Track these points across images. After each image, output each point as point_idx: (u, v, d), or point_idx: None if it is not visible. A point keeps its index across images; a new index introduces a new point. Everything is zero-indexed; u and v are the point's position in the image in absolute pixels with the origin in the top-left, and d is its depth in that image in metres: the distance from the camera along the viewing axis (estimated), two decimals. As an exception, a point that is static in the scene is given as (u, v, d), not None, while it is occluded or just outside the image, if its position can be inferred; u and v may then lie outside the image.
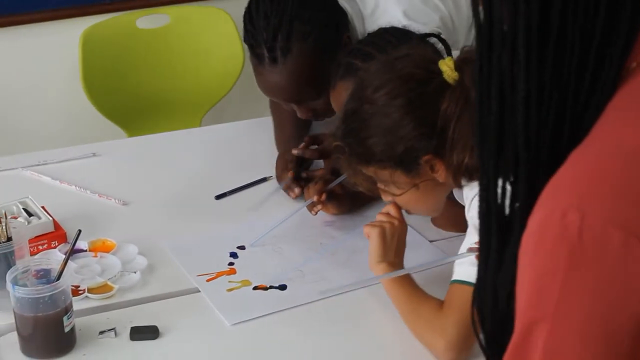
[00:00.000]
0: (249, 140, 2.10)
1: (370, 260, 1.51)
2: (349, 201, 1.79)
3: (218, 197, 1.91)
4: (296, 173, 1.84)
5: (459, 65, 1.39)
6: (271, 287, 1.61)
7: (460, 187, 1.45)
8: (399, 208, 1.53)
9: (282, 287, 1.61)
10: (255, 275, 1.64)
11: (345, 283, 1.61)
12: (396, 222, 1.52)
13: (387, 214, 1.54)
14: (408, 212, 1.55)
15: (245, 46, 2.71)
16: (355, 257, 1.68)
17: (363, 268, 1.64)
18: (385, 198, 1.52)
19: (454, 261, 1.45)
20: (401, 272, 1.49)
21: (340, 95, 1.67)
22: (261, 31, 1.76)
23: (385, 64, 1.45)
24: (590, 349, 0.71)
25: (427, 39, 1.62)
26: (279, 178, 1.89)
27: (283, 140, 1.99)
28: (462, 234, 1.75)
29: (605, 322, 0.70)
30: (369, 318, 1.54)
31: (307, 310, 1.55)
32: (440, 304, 1.42)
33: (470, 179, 1.41)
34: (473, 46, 1.46)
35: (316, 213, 1.77)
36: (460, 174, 1.41)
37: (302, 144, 1.89)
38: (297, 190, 1.82)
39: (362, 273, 1.63)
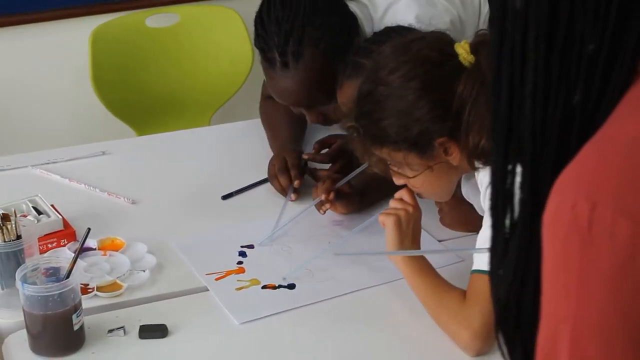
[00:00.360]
0: (258, 139, 2.10)
1: (387, 249, 1.51)
2: (357, 200, 1.79)
3: (225, 197, 1.91)
4: (295, 177, 1.84)
5: (474, 48, 1.40)
6: (280, 286, 1.61)
7: (474, 169, 1.45)
8: (412, 193, 1.53)
9: (291, 286, 1.61)
10: (264, 274, 1.64)
11: (355, 282, 1.61)
12: (410, 209, 1.52)
13: (401, 200, 1.53)
14: (420, 196, 1.54)
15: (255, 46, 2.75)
16: (364, 256, 1.68)
17: (372, 266, 1.65)
18: (398, 181, 1.52)
19: (472, 252, 1.45)
20: (420, 252, 1.49)
21: (347, 94, 1.67)
22: (273, 36, 1.76)
23: (400, 46, 1.45)
24: (614, 345, 0.70)
25: None
26: (282, 191, 1.87)
27: (277, 144, 1.98)
28: (470, 233, 1.76)
29: (625, 316, 0.70)
30: (379, 317, 1.54)
31: (316, 310, 1.56)
32: (463, 294, 1.42)
33: (486, 162, 1.41)
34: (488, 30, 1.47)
35: (324, 212, 1.77)
36: (475, 157, 1.41)
37: (313, 150, 1.89)
38: (293, 196, 1.83)
39: (371, 271, 1.63)
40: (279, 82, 1.79)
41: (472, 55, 1.39)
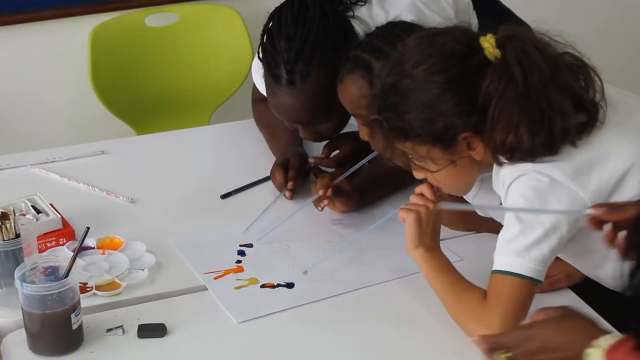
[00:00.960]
0: (258, 139, 2.11)
1: (407, 245, 1.51)
2: (356, 198, 1.79)
3: (224, 196, 1.92)
4: (296, 180, 1.85)
5: (500, 42, 1.40)
6: (279, 285, 1.61)
7: (500, 164, 1.44)
8: (433, 189, 1.53)
9: (290, 285, 1.61)
10: (262, 273, 1.64)
11: (353, 281, 1.61)
12: (431, 205, 1.51)
13: (421, 195, 1.53)
14: (439, 190, 1.54)
15: (255, 45, 2.75)
16: (362, 256, 1.69)
17: (371, 266, 1.65)
18: (419, 175, 1.51)
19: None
20: (463, 207, 1.52)
21: (347, 89, 1.67)
22: (281, 52, 1.76)
23: (425, 38, 1.45)
24: None
25: None
26: (279, 186, 1.88)
27: (279, 148, 1.98)
28: (469, 232, 1.76)
29: None
30: (377, 316, 1.54)
31: (315, 308, 1.56)
32: (484, 294, 1.42)
33: (512, 158, 1.41)
34: (512, 24, 1.46)
35: (322, 209, 1.77)
36: (500, 153, 1.41)
37: (322, 154, 1.89)
38: (288, 193, 1.84)
39: (371, 270, 1.64)
40: (282, 98, 1.79)
41: (497, 50, 1.39)
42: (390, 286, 1.60)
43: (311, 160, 1.89)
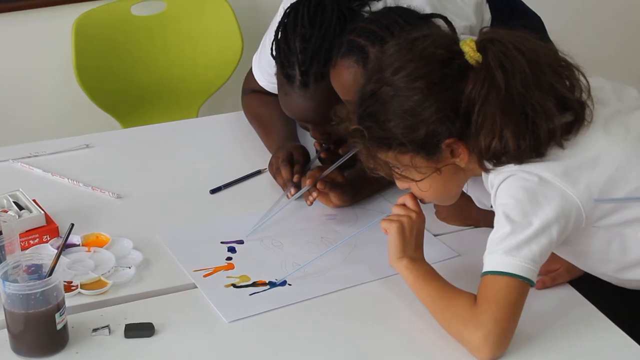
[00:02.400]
0: (248, 132, 2.10)
1: (390, 256, 1.51)
2: (351, 191, 1.78)
3: (213, 191, 1.91)
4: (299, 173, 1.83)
5: (481, 46, 1.40)
6: (270, 282, 1.60)
7: (486, 171, 1.45)
8: (415, 199, 1.53)
9: (282, 283, 1.60)
10: (254, 270, 1.64)
11: (346, 279, 1.61)
12: (414, 216, 1.52)
13: (404, 205, 1.53)
14: (422, 201, 1.54)
15: (245, 34, 2.74)
16: (356, 252, 1.68)
17: (365, 262, 1.65)
18: (402, 185, 1.51)
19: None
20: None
21: (340, 73, 1.66)
22: (296, 53, 1.75)
23: (404, 44, 1.44)
24: None
25: (433, 19, 1.61)
26: (285, 183, 1.86)
27: (275, 141, 1.97)
28: (467, 227, 1.76)
29: None
30: (373, 314, 1.54)
31: (308, 307, 1.55)
32: (473, 298, 1.41)
33: (498, 163, 1.41)
34: (490, 27, 1.45)
35: (311, 203, 1.75)
36: (486, 159, 1.41)
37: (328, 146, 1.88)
38: (293, 190, 1.81)
39: (364, 268, 1.63)
40: (295, 99, 1.79)
41: (478, 54, 1.39)
42: (384, 284, 1.59)
43: (322, 155, 1.87)
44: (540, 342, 1.45)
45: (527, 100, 1.38)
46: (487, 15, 1.95)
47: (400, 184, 1.51)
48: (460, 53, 1.40)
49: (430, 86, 1.39)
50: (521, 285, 1.38)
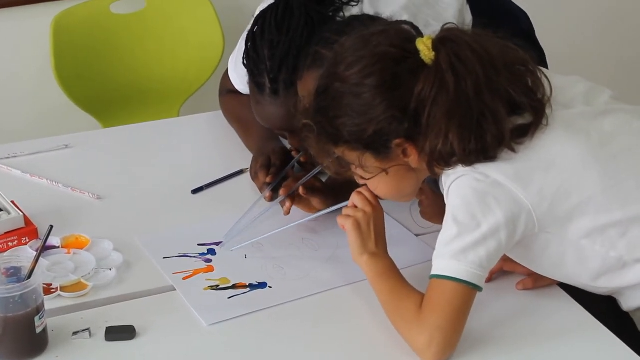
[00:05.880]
0: (230, 131, 2.10)
1: (352, 253, 1.51)
2: (332, 194, 1.78)
3: (195, 191, 1.91)
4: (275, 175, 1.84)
5: (436, 44, 1.38)
6: (251, 285, 1.61)
7: (434, 174, 1.44)
8: (371, 191, 1.52)
9: (263, 285, 1.61)
10: (234, 272, 1.64)
11: (329, 280, 1.61)
12: (368, 209, 1.51)
13: (361, 195, 1.51)
14: (379, 196, 1.53)
15: (226, 33, 2.74)
16: (339, 253, 1.69)
17: (346, 265, 1.64)
18: (359, 180, 1.50)
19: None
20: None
21: (307, 87, 1.64)
22: (265, 60, 1.75)
23: (360, 39, 1.43)
24: None
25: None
26: (262, 187, 1.86)
27: (255, 142, 1.97)
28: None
29: None
30: (352, 317, 1.54)
31: (288, 309, 1.56)
32: (421, 299, 1.41)
33: (447, 165, 1.40)
34: (453, 24, 1.45)
35: (287, 212, 1.74)
36: (434, 161, 1.40)
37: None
38: (268, 194, 1.82)
39: (347, 269, 1.63)
40: (266, 107, 1.79)
41: (433, 52, 1.37)
42: (366, 286, 1.59)
43: (302, 159, 1.87)
44: (526, 343, 1.47)
45: (476, 104, 1.36)
46: (469, 18, 1.95)
47: (357, 179, 1.50)
48: (416, 51, 1.38)
49: (380, 84, 1.38)
50: (467, 290, 1.38)
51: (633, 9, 3.34)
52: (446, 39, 1.39)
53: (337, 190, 1.74)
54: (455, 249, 1.38)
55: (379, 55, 1.39)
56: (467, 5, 1.97)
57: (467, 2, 1.98)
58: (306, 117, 1.45)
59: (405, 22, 1.50)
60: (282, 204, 1.74)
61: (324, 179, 1.81)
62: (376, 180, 1.46)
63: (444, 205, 1.70)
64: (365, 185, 1.51)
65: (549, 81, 1.43)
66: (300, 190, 1.72)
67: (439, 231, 1.73)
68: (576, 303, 1.56)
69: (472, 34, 1.42)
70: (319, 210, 1.75)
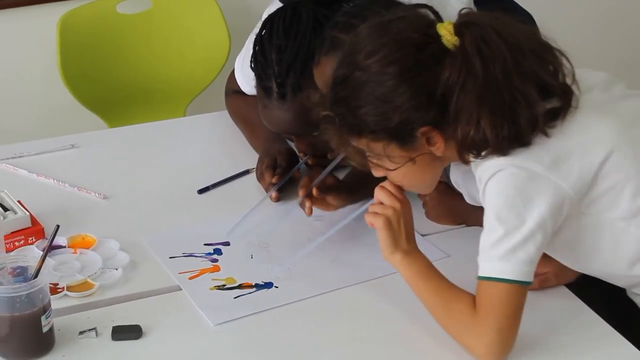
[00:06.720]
0: (236, 131, 2.10)
1: (382, 252, 1.48)
2: (347, 191, 1.75)
3: (201, 191, 1.91)
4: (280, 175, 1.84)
5: (458, 29, 1.36)
6: (257, 285, 1.61)
7: (467, 163, 1.42)
8: (397, 185, 1.49)
9: (269, 285, 1.61)
10: (240, 272, 1.64)
11: (334, 280, 1.61)
12: (398, 206, 1.48)
13: (386, 190, 1.49)
14: (402, 187, 1.50)
15: (232, 32, 2.74)
16: (344, 254, 1.69)
17: (352, 264, 1.65)
18: (377, 173, 1.48)
19: None
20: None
21: (324, 72, 1.63)
22: (272, 64, 1.75)
23: (378, 26, 1.40)
24: None
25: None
26: (268, 187, 1.87)
27: (261, 142, 1.98)
28: (457, 226, 1.76)
29: None
30: (358, 317, 1.54)
31: (295, 309, 1.56)
32: (472, 300, 1.39)
33: (479, 153, 1.38)
34: (472, 9, 1.43)
35: (310, 211, 1.72)
36: (466, 150, 1.38)
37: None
38: (274, 194, 1.83)
39: (352, 270, 1.64)
40: (274, 111, 1.79)
41: (456, 37, 1.35)
42: (372, 286, 1.60)
43: (309, 161, 1.87)
44: (541, 349, 1.46)
45: (507, 88, 1.34)
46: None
47: (375, 172, 1.48)
48: (437, 36, 1.36)
49: (403, 72, 1.35)
50: (520, 289, 1.37)
51: (633, 9, 3.33)
52: (470, 23, 1.36)
53: (351, 186, 1.73)
54: (504, 250, 1.36)
55: (400, 42, 1.36)
56: (474, 7, 1.97)
57: (474, 4, 1.98)
58: (324, 108, 1.43)
59: (423, 5, 1.46)
60: (302, 205, 1.73)
61: (339, 175, 1.80)
62: (402, 170, 1.43)
63: (451, 206, 1.71)
64: (386, 179, 1.49)
65: (571, 64, 1.41)
66: (314, 192, 1.70)
67: (445, 231, 1.74)
68: (584, 303, 1.56)
69: (494, 17, 1.39)
70: (336, 207, 1.73)
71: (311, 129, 1.77)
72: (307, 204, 1.71)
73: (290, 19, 1.77)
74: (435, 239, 1.72)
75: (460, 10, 1.41)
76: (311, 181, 1.73)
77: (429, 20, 1.40)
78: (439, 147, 1.40)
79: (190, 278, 1.63)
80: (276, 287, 1.61)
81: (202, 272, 1.65)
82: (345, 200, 1.76)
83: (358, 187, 1.77)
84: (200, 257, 1.69)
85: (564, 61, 1.41)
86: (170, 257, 1.68)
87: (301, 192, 1.72)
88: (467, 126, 1.35)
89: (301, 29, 1.75)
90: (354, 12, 1.66)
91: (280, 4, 1.85)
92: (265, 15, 1.87)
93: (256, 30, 1.86)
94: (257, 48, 1.80)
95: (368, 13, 1.57)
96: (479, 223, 1.56)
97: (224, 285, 1.61)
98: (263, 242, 1.73)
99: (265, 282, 1.62)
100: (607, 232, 1.44)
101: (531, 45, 1.39)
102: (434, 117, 1.37)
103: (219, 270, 1.65)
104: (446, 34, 1.36)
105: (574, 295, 1.58)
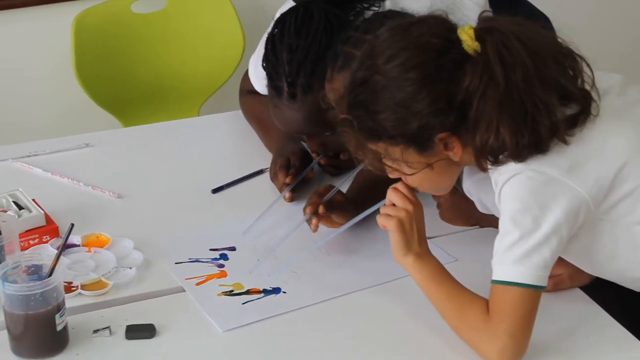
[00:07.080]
0: (250, 131, 2.11)
1: (394, 254, 1.47)
2: (352, 207, 1.72)
3: (215, 190, 1.92)
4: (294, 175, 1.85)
5: (480, 34, 1.35)
6: (265, 290, 1.60)
7: (484, 170, 1.41)
8: (409, 187, 1.48)
9: (277, 291, 1.60)
10: (247, 278, 1.63)
11: (342, 285, 1.60)
12: (410, 208, 1.47)
13: (399, 192, 1.48)
14: (415, 189, 1.49)
15: (246, 31, 2.75)
16: (352, 259, 1.68)
17: (360, 269, 1.64)
18: (393, 175, 1.47)
19: None
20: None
21: (337, 89, 1.61)
22: (283, 64, 1.75)
23: (399, 29, 1.39)
24: None
25: None
26: (282, 188, 1.86)
27: (274, 142, 1.98)
28: (470, 227, 1.75)
29: None
30: (366, 322, 1.54)
31: (303, 314, 1.55)
32: (485, 305, 1.39)
33: (496, 160, 1.37)
34: (490, 12, 1.41)
35: (315, 228, 1.70)
36: (484, 156, 1.37)
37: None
38: (288, 194, 1.83)
39: (360, 274, 1.63)
40: (284, 111, 1.79)
41: (477, 43, 1.34)
42: (380, 291, 1.59)
43: (321, 161, 1.87)
44: (554, 352, 1.45)
45: (528, 95, 1.33)
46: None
47: (392, 174, 1.47)
48: (458, 41, 1.35)
49: (424, 77, 1.34)
50: (534, 293, 1.36)
51: (633, 9, 3.32)
52: (492, 29, 1.35)
53: (357, 203, 1.70)
54: (518, 254, 1.35)
55: (421, 46, 1.35)
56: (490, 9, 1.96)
57: (490, 6, 1.97)
58: (341, 111, 1.42)
59: (439, 11, 1.44)
60: (309, 222, 1.71)
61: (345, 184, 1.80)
62: (419, 175, 1.42)
63: (465, 207, 1.70)
64: (400, 180, 1.48)
65: (591, 70, 1.40)
66: (320, 210, 1.69)
67: (453, 234, 1.73)
68: (598, 305, 1.55)
69: (515, 23, 1.37)
70: (340, 225, 1.70)
71: (322, 129, 1.77)
72: (314, 221, 1.70)
73: (302, 19, 1.77)
74: (442, 242, 1.70)
75: (481, 14, 1.40)
76: (318, 197, 1.71)
77: (449, 25, 1.39)
78: (456, 152, 1.40)
79: (198, 284, 1.62)
80: (284, 292, 1.60)
81: (209, 277, 1.64)
82: (348, 217, 1.72)
83: (359, 203, 1.74)
84: (206, 262, 1.68)
85: (584, 67, 1.40)
86: (176, 263, 1.67)
87: (308, 210, 1.70)
88: (486, 133, 1.34)
89: (312, 29, 1.75)
90: (365, 27, 1.65)
91: (292, 4, 1.86)
92: (278, 15, 1.87)
93: (269, 29, 1.86)
94: (268, 47, 1.81)
95: (379, 28, 1.56)
96: (492, 224, 1.56)
97: (232, 291, 1.60)
98: (269, 248, 1.70)
99: (273, 288, 1.60)
100: (625, 237, 1.43)
101: (552, 51, 1.38)
102: (453, 122, 1.36)
103: (226, 275, 1.64)
104: (467, 39, 1.34)
105: (588, 298, 1.57)
